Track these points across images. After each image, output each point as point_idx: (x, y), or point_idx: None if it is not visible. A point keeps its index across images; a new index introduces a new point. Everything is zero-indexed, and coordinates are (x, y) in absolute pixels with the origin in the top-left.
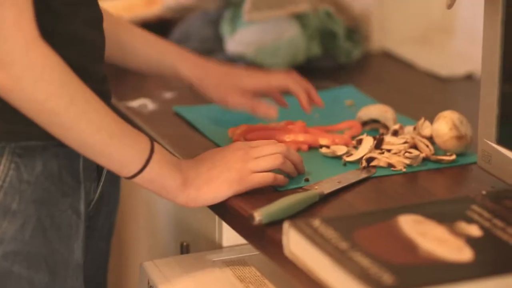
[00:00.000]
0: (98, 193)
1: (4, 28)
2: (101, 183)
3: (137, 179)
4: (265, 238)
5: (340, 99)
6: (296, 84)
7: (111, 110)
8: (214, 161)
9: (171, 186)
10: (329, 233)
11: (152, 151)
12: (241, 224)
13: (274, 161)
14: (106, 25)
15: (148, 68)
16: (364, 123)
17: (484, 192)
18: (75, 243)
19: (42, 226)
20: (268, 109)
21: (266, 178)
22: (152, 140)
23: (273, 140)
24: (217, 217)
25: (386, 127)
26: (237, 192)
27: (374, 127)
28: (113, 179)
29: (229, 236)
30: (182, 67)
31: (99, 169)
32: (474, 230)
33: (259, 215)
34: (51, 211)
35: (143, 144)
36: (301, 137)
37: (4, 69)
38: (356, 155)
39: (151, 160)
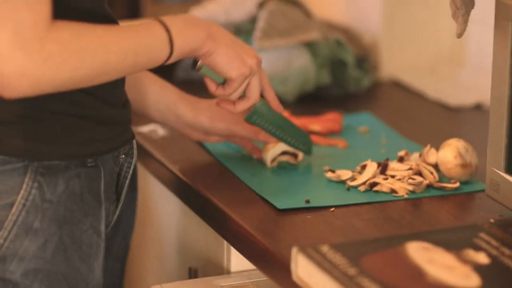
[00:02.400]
0: (116, 215)
1: (20, 35)
2: (120, 205)
3: (171, 59)
4: (273, 263)
5: (354, 125)
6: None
7: (118, 26)
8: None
9: (197, 42)
10: (337, 259)
11: (168, 31)
12: (249, 249)
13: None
14: None
15: (146, 104)
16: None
17: (492, 220)
18: (95, 262)
19: (63, 245)
20: (268, 137)
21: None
22: (160, 21)
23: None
24: (225, 242)
25: (295, 155)
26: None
27: (286, 158)
28: (131, 202)
29: (238, 261)
30: (182, 106)
31: (118, 191)
32: (481, 258)
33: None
34: (72, 230)
35: (158, 31)
36: (294, 121)
37: (27, 75)
38: (360, 179)
39: (173, 38)
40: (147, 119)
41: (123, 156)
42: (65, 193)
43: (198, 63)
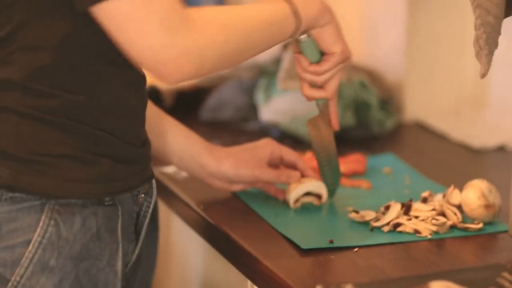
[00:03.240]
0: (135, 255)
1: (167, 23)
2: (139, 244)
3: (299, 31)
4: None
5: (378, 166)
6: (304, 162)
7: (246, 5)
8: None
9: (316, 11)
10: None
11: (291, 4)
12: None
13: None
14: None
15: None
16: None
17: None
18: None
19: (79, 282)
20: (291, 174)
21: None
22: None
23: None
24: (249, 282)
25: (319, 196)
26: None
27: (309, 199)
28: (151, 241)
29: None
30: (206, 156)
31: (137, 230)
32: None
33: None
34: (88, 268)
35: (281, 4)
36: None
37: (190, 61)
38: (384, 220)
39: (298, 10)
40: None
41: (143, 195)
42: (81, 231)
43: (303, 36)
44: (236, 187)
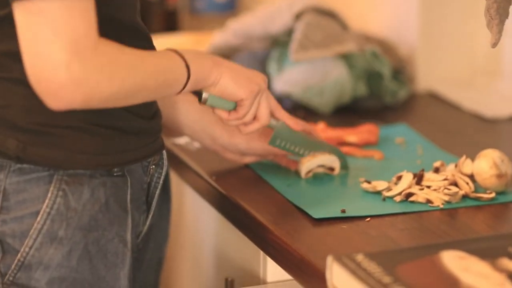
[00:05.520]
0: (147, 226)
1: (77, 44)
2: (150, 215)
3: (186, 89)
4: (309, 273)
5: (391, 136)
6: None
7: (145, 51)
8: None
9: (207, 72)
10: (372, 267)
11: (183, 58)
12: (285, 259)
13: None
14: None
15: (184, 124)
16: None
17: None
18: (121, 271)
19: (88, 253)
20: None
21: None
22: (173, 50)
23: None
24: (261, 252)
25: (332, 169)
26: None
27: (322, 170)
28: (163, 213)
29: (274, 271)
30: (218, 129)
31: (148, 201)
32: None
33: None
34: (97, 238)
35: (178, 58)
36: (330, 133)
37: (80, 85)
38: (395, 190)
39: (189, 66)
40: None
41: (153, 166)
42: (90, 202)
43: (203, 95)
44: (248, 159)
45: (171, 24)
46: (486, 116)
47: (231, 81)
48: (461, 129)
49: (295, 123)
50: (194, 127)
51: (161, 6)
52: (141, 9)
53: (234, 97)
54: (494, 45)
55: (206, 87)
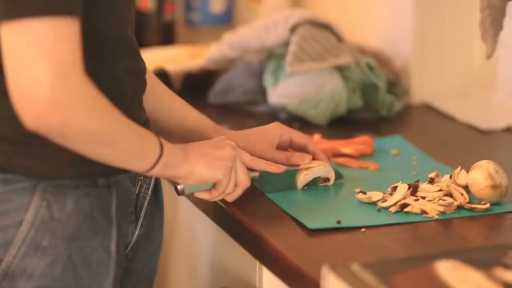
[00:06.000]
0: (136, 236)
1: (61, 67)
2: (139, 226)
3: (153, 170)
4: (304, 282)
5: (386, 148)
6: (315, 145)
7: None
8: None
9: (177, 161)
10: (368, 277)
11: (160, 139)
12: (281, 269)
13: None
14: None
15: (179, 132)
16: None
17: None
18: (106, 281)
19: (72, 262)
20: (302, 157)
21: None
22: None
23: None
24: (257, 262)
25: (328, 179)
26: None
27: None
28: (156, 223)
29: (269, 280)
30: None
31: (137, 212)
32: (511, 276)
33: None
34: (81, 248)
35: (153, 136)
36: (326, 144)
37: (61, 109)
38: (391, 201)
39: (163, 147)
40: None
41: (142, 177)
42: (74, 212)
43: (179, 188)
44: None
45: (167, 37)
46: (481, 128)
47: (205, 168)
48: (456, 141)
49: (275, 167)
50: (189, 136)
51: (158, 18)
52: (137, 22)
53: (212, 181)
54: (489, 57)
55: (178, 178)
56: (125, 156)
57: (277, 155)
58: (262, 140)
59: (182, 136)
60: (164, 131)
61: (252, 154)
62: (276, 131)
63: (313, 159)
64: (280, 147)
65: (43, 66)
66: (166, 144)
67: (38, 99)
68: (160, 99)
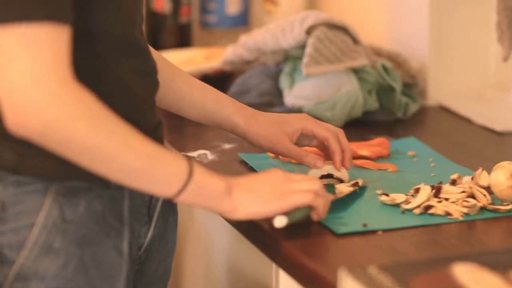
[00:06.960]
0: (149, 237)
1: (39, 71)
2: (152, 227)
3: (182, 196)
4: (321, 285)
5: (402, 150)
6: (336, 143)
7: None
8: (256, 176)
9: (215, 193)
10: (385, 280)
11: (191, 164)
12: (298, 272)
13: (307, 194)
14: (164, 74)
15: (203, 118)
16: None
17: None
18: (118, 282)
19: (84, 264)
20: (315, 160)
21: (304, 196)
22: (189, 157)
23: (311, 176)
24: (274, 265)
25: (341, 180)
26: (277, 208)
27: (330, 181)
28: (170, 224)
29: (286, 283)
30: (237, 119)
31: (150, 213)
32: None
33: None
34: (93, 250)
35: (182, 160)
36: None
37: (39, 113)
38: (414, 203)
39: (193, 172)
40: (196, 145)
41: None
42: (86, 213)
43: (277, 220)
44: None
45: (183, 39)
46: (497, 130)
47: (257, 203)
48: (471, 143)
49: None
50: (214, 119)
51: (174, 21)
52: (153, 24)
53: (265, 215)
54: (506, 59)
55: (218, 211)
56: (122, 173)
57: (291, 151)
58: (281, 132)
59: (210, 122)
60: (191, 119)
61: (266, 143)
62: (299, 123)
63: (331, 158)
64: (304, 135)
65: (20, 71)
66: (198, 170)
67: (16, 103)
68: (179, 87)
